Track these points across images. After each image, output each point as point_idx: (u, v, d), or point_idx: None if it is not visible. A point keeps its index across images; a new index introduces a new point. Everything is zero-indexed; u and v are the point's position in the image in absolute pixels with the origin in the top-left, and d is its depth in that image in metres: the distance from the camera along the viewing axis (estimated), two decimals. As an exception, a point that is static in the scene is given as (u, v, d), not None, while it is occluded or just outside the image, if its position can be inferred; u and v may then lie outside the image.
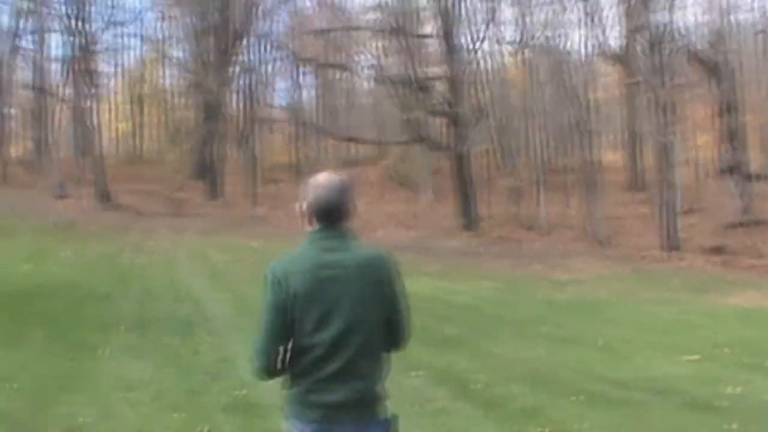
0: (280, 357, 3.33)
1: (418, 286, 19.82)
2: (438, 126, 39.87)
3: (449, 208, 38.24)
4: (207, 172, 42.22)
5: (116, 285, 18.15)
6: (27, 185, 41.85)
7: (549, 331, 13.68)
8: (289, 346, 3.32)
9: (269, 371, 3.38)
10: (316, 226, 3.44)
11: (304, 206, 3.46)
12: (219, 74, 41.01)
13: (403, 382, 8.89)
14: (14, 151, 53.41)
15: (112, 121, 61.03)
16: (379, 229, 33.93)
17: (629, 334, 13.41)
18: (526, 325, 14.45)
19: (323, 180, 3.48)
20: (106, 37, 46.84)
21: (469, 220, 32.88)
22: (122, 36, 52.64)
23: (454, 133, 33.16)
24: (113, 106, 61.10)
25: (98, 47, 44.49)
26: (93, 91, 42.67)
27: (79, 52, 40.49)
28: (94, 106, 43.02)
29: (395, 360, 3.61)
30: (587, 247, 30.41)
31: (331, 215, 3.43)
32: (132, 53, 58.55)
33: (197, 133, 45.29)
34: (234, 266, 23.18)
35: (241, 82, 48.15)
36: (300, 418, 3.34)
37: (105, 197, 37.43)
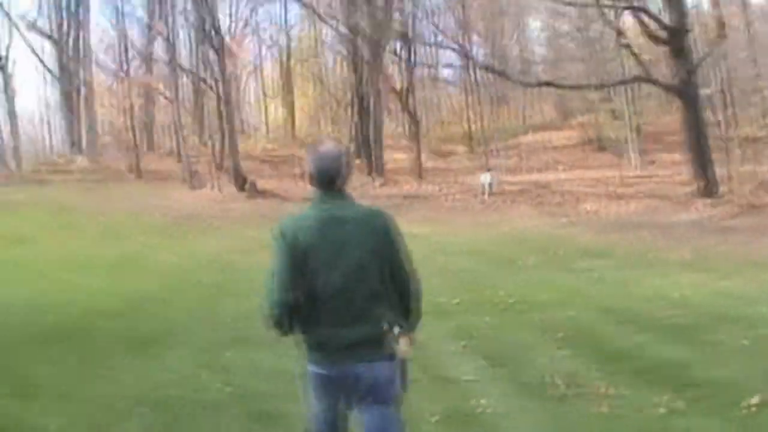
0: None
1: (677, 287, 12.34)
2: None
3: (665, 171, 30.36)
4: (366, 147, 35.80)
5: (192, 312, 11.85)
6: (163, 178, 37.35)
7: None
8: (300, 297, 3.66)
9: (283, 315, 3.68)
10: (318, 190, 3.83)
11: (309, 173, 3.88)
12: (375, 36, 34.25)
13: None
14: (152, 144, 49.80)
15: (261, 103, 56.67)
16: (585, 201, 26.46)
17: None
18: None
19: (321, 150, 3.91)
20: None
21: (706, 183, 24.58)
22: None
23: (678, 68, 24.77)
24: (264, 87, 56.55)
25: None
26: (234, 71, 37.32)
27: (213, 31, 34.88)
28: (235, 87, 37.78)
29: None
30: None
31: (329, 182, 3.80)
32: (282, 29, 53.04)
33: (354, 106, 39.15)
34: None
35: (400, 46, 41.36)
36: (319, 363, 3.75)
37: (243, 185, 31.48)
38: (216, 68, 35.04)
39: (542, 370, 7.56)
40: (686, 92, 24.68)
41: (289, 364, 7.91)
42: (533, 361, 8.03)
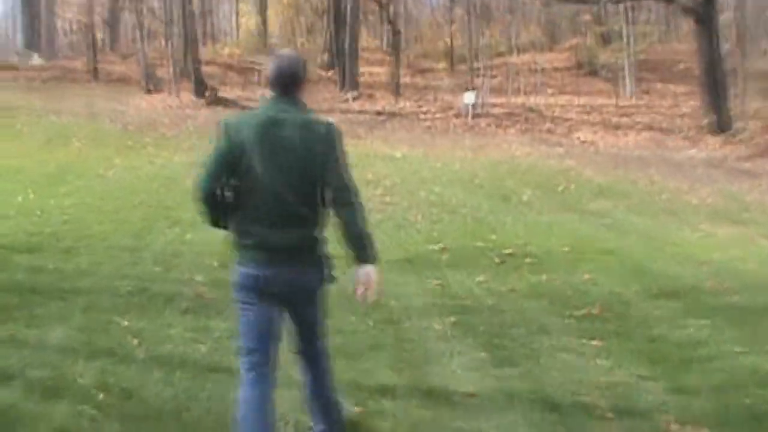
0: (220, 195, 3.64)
1: (716, 244, 9.95)
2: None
3: (662, 102, 27.93)
4: (340, 58, 32.82)
5: (115, 248, 9.34)
6: (122, 81, 34.37)
7: None
8: (228, 192, 3.64)
9: (207, 199, 3.66)
10: (273, 92, 3.74)
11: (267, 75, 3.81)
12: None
13: None
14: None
15: (234, 8, 53.36)
16: (579, 129, 23.93)
17: None
18: None
19: (281, 53, 3.95)
20: None
21: (719, 118, 22.00)
22: None
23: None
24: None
25: None
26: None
27: None
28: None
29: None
30: None
31: (285, 84, 3.72)
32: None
33: (329, 14, 35.98)
34: (365, 192, 13.77)
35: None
36: (246, 263, 3.66)
37: (203, 91, 28.47)
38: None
39: (575, 380, 5.11)
40: (704, 15, 21.84)
41: (211, 344, 5.56)
42: (555, 359, 5.56)
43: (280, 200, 3.57)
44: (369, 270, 3.67)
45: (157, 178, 15.59)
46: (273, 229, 3.57)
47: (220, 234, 9.52)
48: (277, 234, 3.57)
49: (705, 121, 22.41)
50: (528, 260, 8.71)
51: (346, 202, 3.66)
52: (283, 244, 3.59)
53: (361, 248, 3.67)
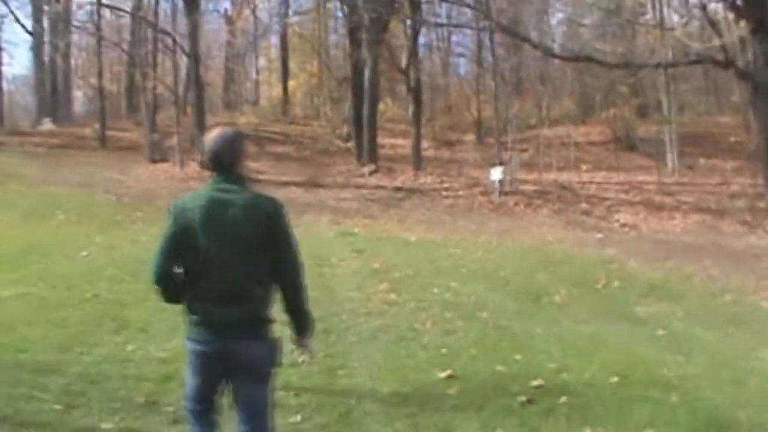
0: (174, 275, 3.83)
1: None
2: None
3: (709, 179, 25.79)
4: (359, 129, 31.02)
5: (28, 363, 7.31)
6: (130, 148, 33.08)
7: None
8: (180, 270, 3.84)
9: (161, 281, 3.87)
10: (213, 172, 3.90)
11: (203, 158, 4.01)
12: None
13: None
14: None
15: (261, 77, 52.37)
16: (619, 210, 21.79)
17: None
18: None
19: (214, 134, 4.00)
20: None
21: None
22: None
23: (756, 50, 19.48)
24: (257, 60, 52.16)
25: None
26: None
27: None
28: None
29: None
30: None
31: (220, 164, 3.86)
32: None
33: (351, 83, 34.33)
34: (368, 286, 11.70)
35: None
36: (196, 339, 3.82)
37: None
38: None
39: None
40: (765, 80, 19.49)
41: None
42: None
43: (227, 278, 3.73)
44: (307, 341, 4.03)
45: (131, 262, 13.42)
46: (219, 305, 3.73)
47: (168, 346, 7.30)
48: (223, 310, 3.72)
49: (765, 203, 19.98)
50: (564, 399, 6.38)
51: (291, 282, 3.87)
52: (229, 321, 3.73)
53: (301, 326, 3.96)
